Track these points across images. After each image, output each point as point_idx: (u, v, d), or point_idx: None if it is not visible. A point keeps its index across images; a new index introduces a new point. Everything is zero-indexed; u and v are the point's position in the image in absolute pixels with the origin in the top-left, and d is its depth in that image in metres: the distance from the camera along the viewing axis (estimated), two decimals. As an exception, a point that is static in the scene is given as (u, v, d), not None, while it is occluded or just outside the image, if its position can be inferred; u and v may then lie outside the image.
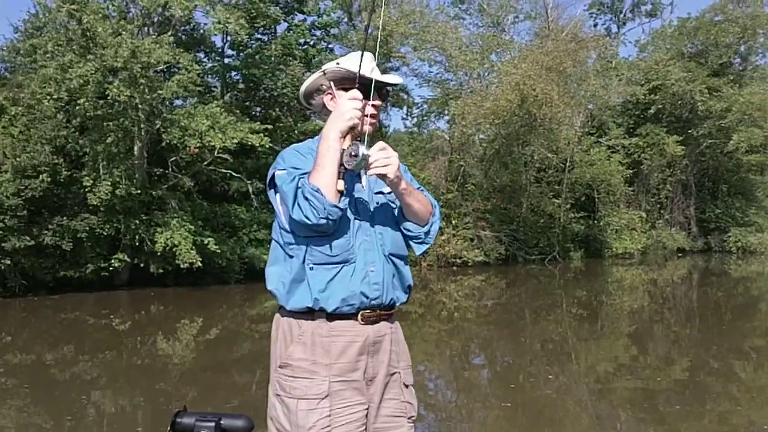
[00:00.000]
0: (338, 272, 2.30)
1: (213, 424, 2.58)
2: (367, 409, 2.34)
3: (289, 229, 2.35)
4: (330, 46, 27.66)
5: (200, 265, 16.92)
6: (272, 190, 2.42)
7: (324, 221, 2.19)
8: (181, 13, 17.66)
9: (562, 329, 12.60)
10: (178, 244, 16.70)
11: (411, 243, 2.50)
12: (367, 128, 2.36)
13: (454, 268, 24.74)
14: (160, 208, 17.93)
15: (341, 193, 2.21)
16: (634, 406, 7.21)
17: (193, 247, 16.90)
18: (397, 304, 2.45)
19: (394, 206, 2.48)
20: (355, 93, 2.31)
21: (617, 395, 7.63)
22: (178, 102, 19.71)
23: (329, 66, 2.47)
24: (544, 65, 24.85)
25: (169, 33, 17.30)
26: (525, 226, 27.90)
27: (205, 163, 18.76)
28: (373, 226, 2.40)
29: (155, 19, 18.67)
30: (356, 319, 2.32)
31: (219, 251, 17.59)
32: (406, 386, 2.47)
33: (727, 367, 9.19)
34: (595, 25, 38.72)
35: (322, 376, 2.28)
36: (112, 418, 6.87)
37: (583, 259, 29.14)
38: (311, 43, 26.03)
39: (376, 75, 2.42)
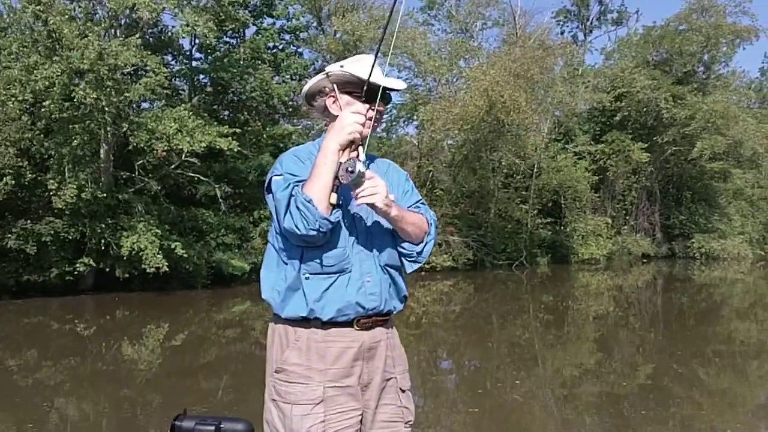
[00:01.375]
0: (333, 282, 2.30)
1: (213, 428, 2.58)
2: (362, 415, 2.35)
3: (284, 234, 2.34)
4: (299, 50, 27.67)
5: (167, 269, 16.74)
6: (270, 195, 2.39)
7: (314, 233, 2.18)
8: (149, 15, 17.49)
9: (529, 334, 12.70)
10: (145, 249, 16.52)
11: (403, 260, 2.50)
12: (367, 131, 2.36)
13: (423, 273, 24.76)
14: (126, 212, 17.73)
15: (333, 206, 2.21)
16: (599, 411, 7.30)
17: (160, 252, 16.73)
18: (394, 312, 2.47)
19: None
20: (359, 107, 2.33)
21: (583, 400, 7.71)
22: (146, 105, 19.55)
23: (333, 68, 2.47)
24: (512, 72, 25.05)
25: (137, 35, 17.12)
26: (493, 232, 28.05)
27: (173, 166, 18.60)
28: (369, 238, 2.40)
29: (122, 21, 18.49)
30: (352, 326, 2.33)
31: (186, 256, 17.43)
32: (403, 391, 2.49)
33: (691, 372, 9.33)
34: (562, 33, 39.13)
35: (317, 382, 2.29)
36: (76, 425, 6.78)
37: (550, 264, 29.37)
38: (280, 47, 26.00)
39: (381, 79, 2.41)
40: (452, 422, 6.90)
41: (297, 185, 2.24)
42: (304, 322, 2.32)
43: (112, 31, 18.08)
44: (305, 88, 2.54)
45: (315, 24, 30.33)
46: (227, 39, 23.70)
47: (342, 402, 2.30)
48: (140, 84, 16.99)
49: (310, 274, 2.29)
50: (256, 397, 8.06)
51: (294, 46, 27.21)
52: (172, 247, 17.08)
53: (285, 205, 2.22)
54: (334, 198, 2.21)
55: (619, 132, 33.21)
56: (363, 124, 2.30)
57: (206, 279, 19.13)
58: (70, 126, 16.20)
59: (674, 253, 35.46)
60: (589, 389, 8.34)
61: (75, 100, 15.74)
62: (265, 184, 2.41)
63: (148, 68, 17.38)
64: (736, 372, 9.34)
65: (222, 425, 2.57)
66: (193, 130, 17.38)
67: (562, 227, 31.24)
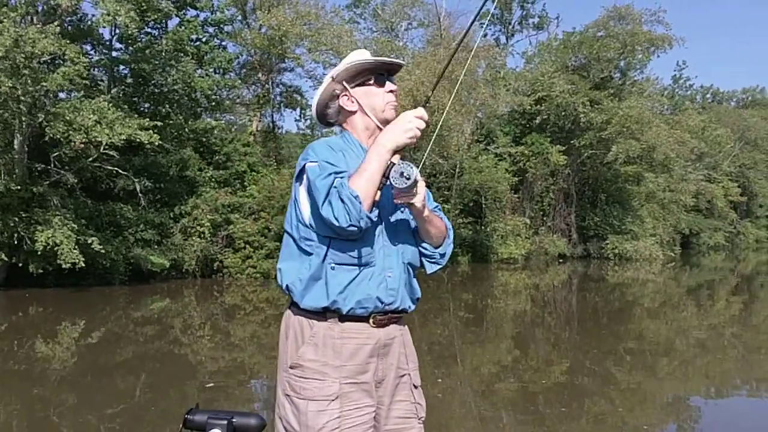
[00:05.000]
0: (358, 274, 2.31)
1: (225, 422, 2.57)
2: (376, 411, 2.36)
3: (308, 224, 2.33)
4: (223, 43, 27.36)
5: (83, 265, 16.31)
6: (297, 183, 2.37)
7: (354, 228, 2.18)
8: (68, 2, 17.01)
9: (449, 332, 12.90)
10: (60, 243, 16.06)
11: (425, 261, 2.53)
12: (391, 112, 2.41)
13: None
14: (41, 205, 17.17)
15: (375, 204, 2.22)
16: (515, 408, 7.49)
17: (76, 247, 16.29)
18: (407, 312, 2.49)
19: (412, 218, 2.50)
20: (422, 112, 2.31)
21: (500, 396, 7.90)
22: (63, 95, 18.96)
23: (336, 71, 2.48)
24: (436, 72, 25.30)
25: (55, 23, 16.60)
26: (415, 230, 28.18)
27: (90, 159, 18.07)
28: (394, 233, 2.42)
29: (40, 8, 17.91)
30: (368, 322, 2.35)
31: (103, 251, 17.01)
32: (416, 387, 2.52)
33: (604, 369, 9.65)
34: (485, 36, 39.75)
35: (333, 378, 2.29)
36: (-13, 426, 6.58)
37: (470, 263, 29.79)
38: (203, 39, 25.63)
39: (383, 58, 2.45)
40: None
41: (339, 176, 2.23)
42: (322, 314, 2.32)
43: (29, 18, 17.50)
44: (315, 103, 2.55)
45: (240, 17, 30.03)
46: (149, 30, 23.18)
47: (357, 398, 2.31)
48: (58, 73, 16.47)
49: (336, 264, 2.29)
50: (174, 395, 7.96)
51: (218, 39, 26.90)
52: (89, 242, 16.65)
53: (325, 194, 2.20)
54: (378, 196, 2.22)
55: (539, 135, 33.88)
56: (420, 128, 2.29)
57: (124, 275, 18.74)
58: (-17, 115, 15.62)
59: (589, 253, 36.38)
60: (507, 386, 8.54)
61: (-12, 88, 15.18)
62: (296, 171, 2.38)
63: (66, 57, 16.88)
64: (647, 369, 9.70)
65: (234, 419, 2.57)
66: (112, 122, 16.97)
67: (482, 227, 31.71)
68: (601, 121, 32.86)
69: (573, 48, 35.90)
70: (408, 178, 2.21)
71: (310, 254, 2.32)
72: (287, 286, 2.37)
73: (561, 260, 33.98)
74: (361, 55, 2.45)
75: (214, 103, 25.23)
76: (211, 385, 8.32)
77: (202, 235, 20.96)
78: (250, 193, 23.10)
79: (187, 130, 22.99)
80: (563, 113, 33.91)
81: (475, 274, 25.88)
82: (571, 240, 36.10)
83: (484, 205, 31.50)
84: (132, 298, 17.20)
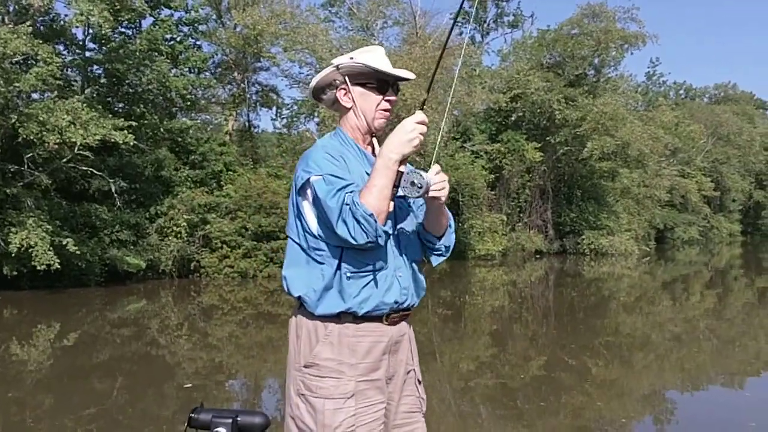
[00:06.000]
0: (372, 279, 2.31)
1: (230, 420, 2.57)
2: (386, 406, 2.38)
3: (317, 235, 2.31)
4: (198, 42, 27.16)
5: (58, 266, 16.14)
6: (300, 196, 2.35)
7: (372, 245, 2.18)
8: (41, 2, 16.85)
9: (428, 329, 12.93)
10: (35, 245, 15.88)
11: (429, 254, 2.55)
12: (381, 122, 2.41)
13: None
14: (14, 207, 16.96)
15: (388, 216, 2.22)
16: (494, 403, 7.54)
17: (51, 248, 16.13)
18: (414, 306, 2.51)
19: (413, 212, 2.51)
20: (422, 116, 2.28)
21: (479, 393, 7.95)
22: (36, 96, 18.75)
23: (342, 60, 2.44)
24: (412, 71, 25.29)
25: (27, 23, 16.43)
26: (391, 228, 28.21)
27: (65, 160, 17.89)
28: (398, 232, 2.42)
29: (11, 8, 17.72)
30: (382, 321, 2.36)
31: (78, 252, 16.85)
32: (420, 382, 2.57)
33: (581, 364, 9.75)
34: (461, 34, 39.63)
35: (348, 376, 2.30)
36: (-37, 430, 6.51)
37: (448, 260, 29.76)
38: (178, 39, 25.40)
39: (392, 70, 2.40)
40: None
41: (348, 190, 2.20)
42: (336, 317, 2.32)
43: (0, 18, 17.30)
44: (313, 82, 2.50)
45: (214, 16, 29.88)
46: (123, 29, 22.97)
47: (371, 396, 2.33)
48: (31, 74, 16.31)
49: (352, 273, 2.29)
50: (152, 397, 7.92)
51: (192, 38, 26.66)
52: (64, 243, 16.48)
53: (338, 213, 2.17)
54: (391, 206, 2.22)
55: (514, 132, 34.02)
56: (423, 133, 2.28)
57: (100, 276, 18.58)
58: (-46, 116, 15.42)
59: (565, 249, 36.61)
60: (485, 382, 8.60)
61: (-41, 89, 14.99)
62: (298, 184, 2.34)
63: (39, 58, 16.71)
64: (623, 363, 9.82)
65: (239, 418, 2.57)
66: (86, 123, 16.80)
67: (459, 224, 31.78)
68: (576, 118, 33.08)
69: (548, 46, 36.08)
70: (420, 187, 2.21)
71: (321, 263, 2.31)
72: (300, 297, 2.36)
73: (538, 256, 34.18)
74: (373, 56, 2.41)
75: (189, 103, 25.06)
76: (189, 385, 8.29)
77: (179, 235, 20.84)
78: (226, 192, 23.00)
79: (162, 129, 22.82)
80: (538, 110, 34.08)
81: (452, 271, 25.96)
82: (547, 236, 36.31)
83: (461, 202, 31.56)
84: (108, 300, 17.07)
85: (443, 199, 2.33)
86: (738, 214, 59.82)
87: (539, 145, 33.48)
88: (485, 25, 41.08)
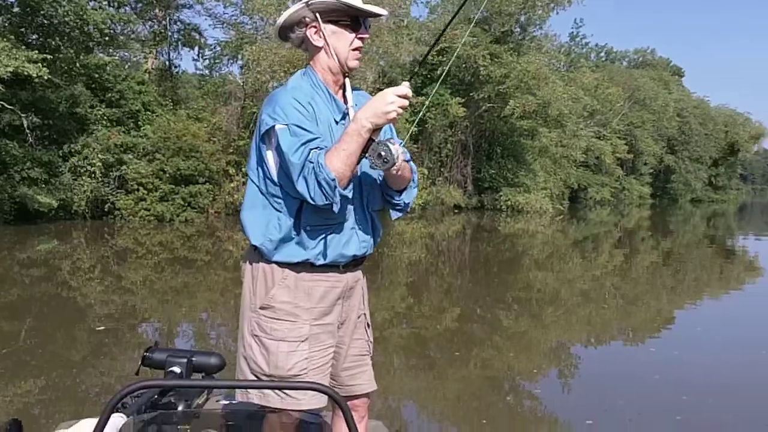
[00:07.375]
0: (332, 232, 2.29)
1: (185, 360, 2.52)
2: (336, 350, 2.40)
3: (277, 183, 2.25)
4: (118, -26, 26.03)
5: (-37, 203, 15.58)
6: (263, 143, 2.26)
7: (328, 206, 2.15)
8: None
9: (345, 279, 13.02)
10: (-62, 180, 15.24)
11: (390, 209, 2.50)
12: (355, 63, 2.34)
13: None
14: None
15: (350, 180, 2.19)
16: (408, 352, 7.70)
17: (-44, 184, 15.51)
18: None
19: None
20: (405, 89, 2.17)
21: (392, 342, 8.08)
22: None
23: None
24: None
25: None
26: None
27: (-28, 92, 17.12)
28: (360, 186, 2.37)
29: None
30: (338, 269, 2.35)
31: (-14, 189, 16.27)
32: (369, 325, 2.59)
33: (493, 316, 10.03)
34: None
35: (303, 320, 2.29)
36: None
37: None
38: (97, -30, 24.32)
39: (362, 5, 2.30)
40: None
41: (312, 145, 2.14)
42: (294, 265, 2.29)
43: None
44: (280, 20, 2.35)
45: (136, -51, 28.70)
46: (37, -44, 21.86)
47: (323, 340, 2.33)
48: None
49: (311, 226, 2.26)
50: (62, 339, 7.77)
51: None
52: (-30, 179, 15.86)
53: (299, 169, 2.12)
54: (357, 170, 2.20)
55: (439, 86, 34.10)
56: (402, 107, 2.17)
57: (9, 215, 18.03)
58: None
59: (483, 204, 37.20)
60: (399, 332, 8.75)
61: None
62: (262, 130, 2.24)
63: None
64: (533, 317, 10.13)
65: (194, 358, 2.52)
66: (-3, 54, 16.07)
67: (380, 176, 31.83)
68: (500, 75, 33.39)
69: (476, 1, 36.10)
70: (386, 161, 2.12)
71: (279, 211, 2.27)
72: (257, 246, 2.31)
73: (456, 211, 34.66)
74: None
75: (107, 38, 24.07)
76: (102, 328, 8.16)
77: (93, 175, 20.29)
78: (144, 133, 22.42)
79: (78, 65, 21.95)
80: (464, 65, 34.21)
81: (372, 223, 26.10)
82: (466, 191, 36.81)
83: (382, 154, 31.57)
84: (17, 239, 16.55)
85: (394, 173, 2.26)
86: (649, 177, 61.71)
87: (463, 100, 33.69)
88: (415, -24, 40.71)
